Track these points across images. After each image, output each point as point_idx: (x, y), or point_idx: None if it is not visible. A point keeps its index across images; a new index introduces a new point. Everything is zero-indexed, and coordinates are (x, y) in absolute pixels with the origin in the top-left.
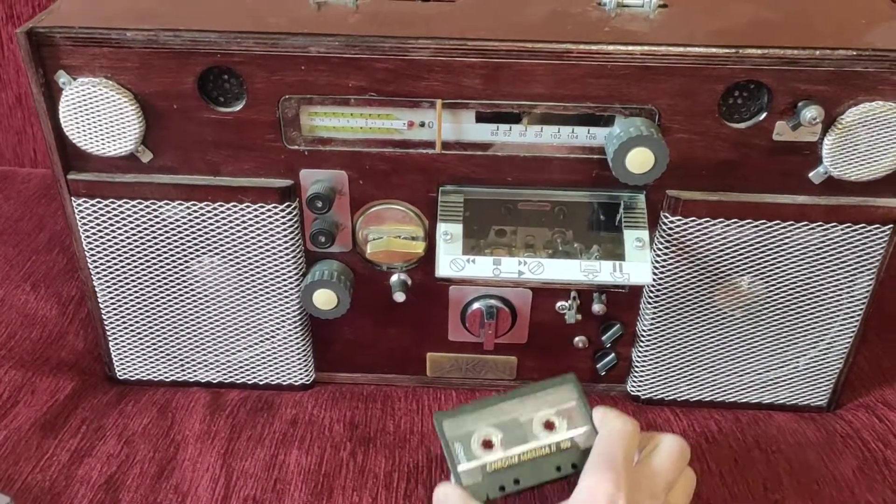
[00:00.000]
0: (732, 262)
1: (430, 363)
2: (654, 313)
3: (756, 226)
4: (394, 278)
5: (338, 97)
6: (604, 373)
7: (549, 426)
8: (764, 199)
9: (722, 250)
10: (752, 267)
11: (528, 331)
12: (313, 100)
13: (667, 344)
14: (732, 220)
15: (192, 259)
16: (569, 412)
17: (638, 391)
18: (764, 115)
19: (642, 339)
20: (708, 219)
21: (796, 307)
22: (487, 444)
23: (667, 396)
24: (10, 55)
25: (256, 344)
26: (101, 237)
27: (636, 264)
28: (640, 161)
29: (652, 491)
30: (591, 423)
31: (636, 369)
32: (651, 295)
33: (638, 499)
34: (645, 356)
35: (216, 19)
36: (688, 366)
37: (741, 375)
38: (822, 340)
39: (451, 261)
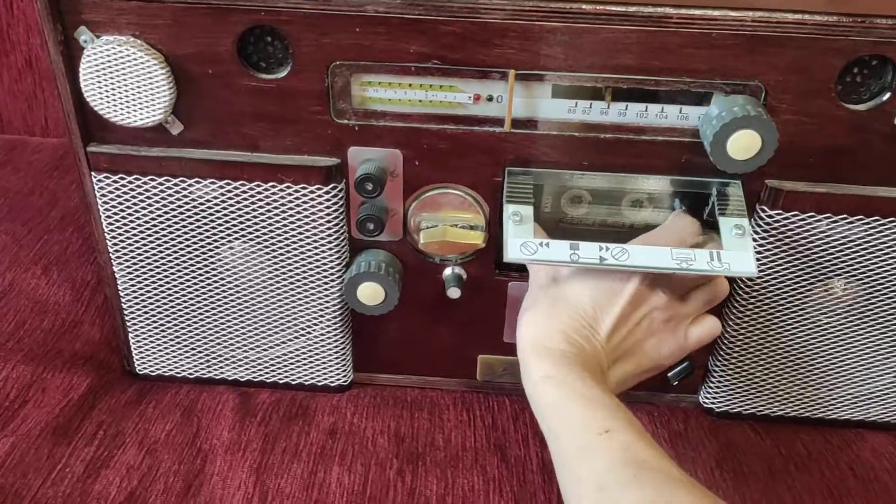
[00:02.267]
0: (833, 264)
1: (481, 366)
2: (740, 317)
3: (867, 223)
4: (447, 272)
5: (396, 65)
6: (676, 382)
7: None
8: (878, 193)
9: (825, 250)
10: (853, 269)
11: None
12: (368, 67)
13: (750, 353)
14: (841, 216)
15: (222, 244)
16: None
17: (713, 403)
18: (888, 95)
19: (724, 345)
20: (813, 213)
21: None
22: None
23: (745, 410)
24: (21, 14)
25: (290, 340)
26: (123, 217)
27: (737, 253)
28: (744, 145)
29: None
30: None
31: (713, 378)
32: (737, 296)
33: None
34: (725, 365)
35: None
36: (772, 377)
37: (831, 389)
38: None
39: (522, 244)
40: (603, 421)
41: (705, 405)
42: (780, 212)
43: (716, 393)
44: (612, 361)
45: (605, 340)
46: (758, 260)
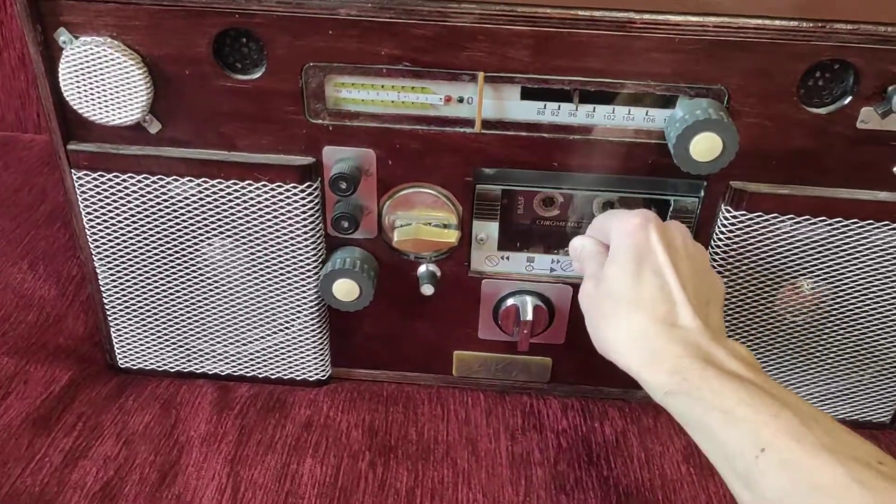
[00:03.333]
0: (799, 264)
1: (457, 362)
2: None
3: (830, 224)
4: (422, 269)
5: (368, 66)
6: None
7: None
8: (840, 195)
9: (789, 250)
10: (820, 269)
11: (567, 330)
12: (340, 69)
13: None
14: (804, 217)
15: (201, 241)
16: None
17: None
18: (849, 99)
19: None
20: (776, 214)
21: (865, 315)
22: None
23: None
24: (14, 13)
25: (269, 335)
26: (104, 214)
27: None
28: (706, 148)
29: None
30: None
31: None
32: None
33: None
34: None
35: None
36: None
37: (798, 387)
38: (890, 352)
39: (486, 257)
40: (751, 436)
41: None
42: (745, 212)
43: None
44: (702, 315)
45: (684, 303)
46: (722, 259)
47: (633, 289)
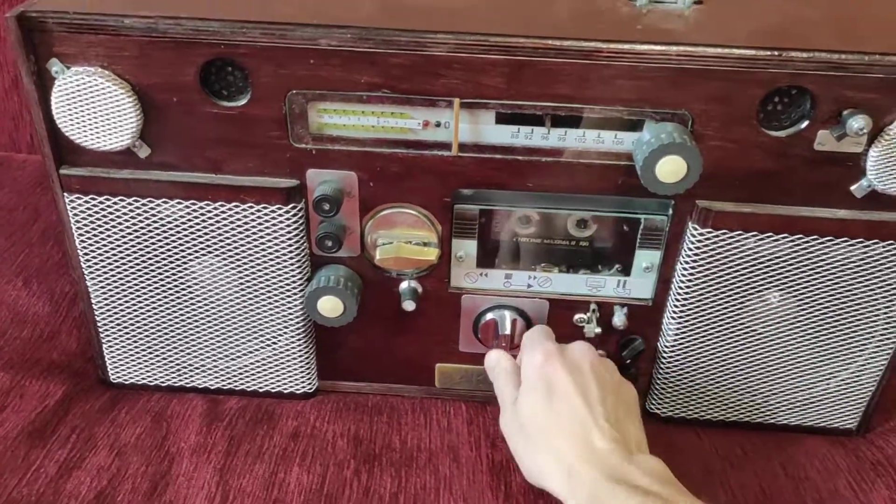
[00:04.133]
0: (764, 278)
1: (439, 374)
2: (678, 329)
3: (792, 240)
4: (403, 285)
5: (349, 93)
6: (629, 360)
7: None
8: (801, 213)
9: (754, 265)
10: (784, 283)
11: None
12: (323, 96)
13: (690, 361)
14: (767, 234)
15: (190, 260)
16: None
17: (657, 409)
18: (805, 123)
19: (664, 355)
20: (740, 232)
21: (830, 326)
22: None
23: (688, 415)
24: (7, 36)
25: (257, 350)
26: (95, 236)
27: (639, 281)
28: (671, 170)
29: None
30: None
31: (656, 386)
32: (675, 309)
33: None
34: (666, 373)
35: (220, 7)
36: (712, 384)
37: (768, 396)
38: (854, 362)
39: (465, 274)
40: None
41: (650, 410)
42: (710, 230)
43: (660, 399)
44: (619, 431)
45: (597, 426)
46: (691, 274)
47: (549, 419)
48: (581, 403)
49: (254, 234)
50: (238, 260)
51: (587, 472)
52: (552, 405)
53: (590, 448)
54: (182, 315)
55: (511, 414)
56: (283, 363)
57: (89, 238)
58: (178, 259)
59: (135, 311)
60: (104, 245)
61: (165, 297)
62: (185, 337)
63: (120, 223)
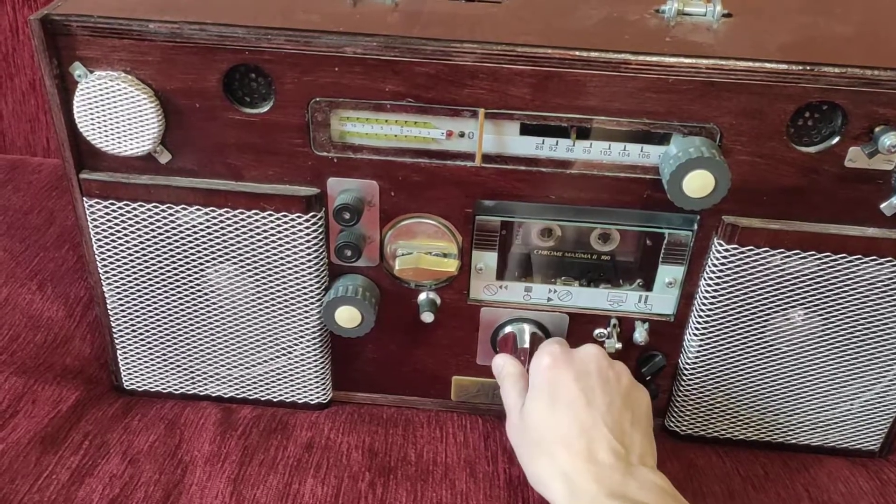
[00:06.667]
0: (789, 296)
1: (455, 387)
2: (700, 346)
3: (819, 258)
4: (422, 297)
5: (372, 102)
6: (649, 377)
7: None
8: (829, 230)
9: (779, 283)
10: (810, 301)
11: None
12: (346, 104)
13: (711, 379)
14: (794, 252)
15: (208, 267)
16: None
17: (677, 427)
18: (836, 139)
19: (685, 372)
20: (767, 248)
21: (854, 345)
22: None
23: (708, 434)
24: (26, 39)
25: (272, 359)
26: (113, 241)
27: (661, 296)
28: (698, 185)
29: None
30: None
31: (676, 403)
32: (698, 326)
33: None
34: (687, 390)
35: (245, 13)
36: (733, 403)
37: (789, 415)
38: (879, 382)
39: (484, 286)
40: None
41: (670, 428)
42: (736, 246)
43: (679, 417)
44: (623, 443)
45: (600, 437)
46: (715, 291)
47: (552, 426)
48: (585, 412)
49: (273, 242)
50: (256, 268)
51: (588, 487)
52: (555, 413)
53: (591, 460)
54: (198, 322)
55: (517, 420)
56: (298, 373)
57: (107, 243)
58: (195, 266)
59: (150, 317)
60: (122, 250)
61: (181, 303)
62: (201, 344)
63: (138, 229)
